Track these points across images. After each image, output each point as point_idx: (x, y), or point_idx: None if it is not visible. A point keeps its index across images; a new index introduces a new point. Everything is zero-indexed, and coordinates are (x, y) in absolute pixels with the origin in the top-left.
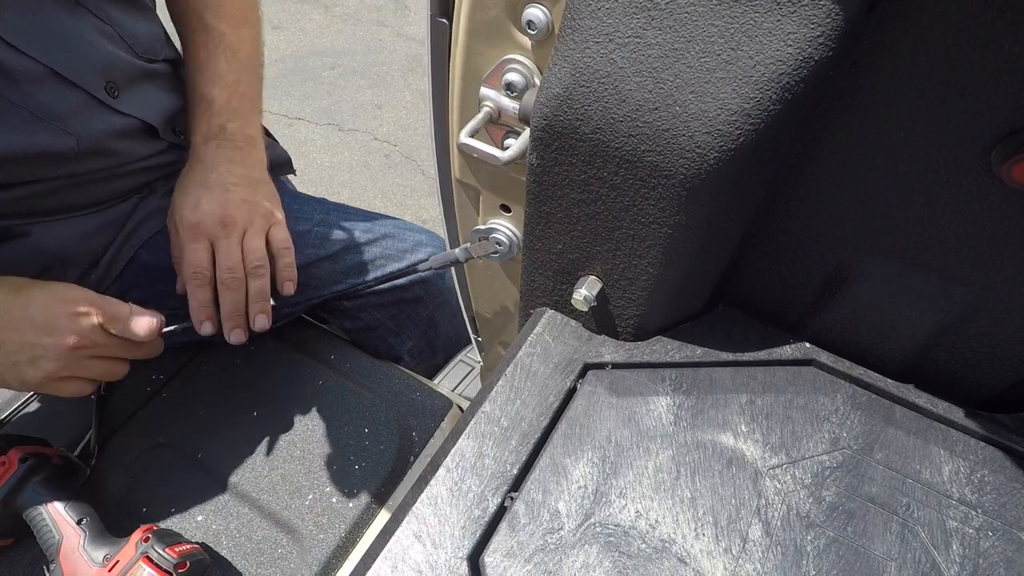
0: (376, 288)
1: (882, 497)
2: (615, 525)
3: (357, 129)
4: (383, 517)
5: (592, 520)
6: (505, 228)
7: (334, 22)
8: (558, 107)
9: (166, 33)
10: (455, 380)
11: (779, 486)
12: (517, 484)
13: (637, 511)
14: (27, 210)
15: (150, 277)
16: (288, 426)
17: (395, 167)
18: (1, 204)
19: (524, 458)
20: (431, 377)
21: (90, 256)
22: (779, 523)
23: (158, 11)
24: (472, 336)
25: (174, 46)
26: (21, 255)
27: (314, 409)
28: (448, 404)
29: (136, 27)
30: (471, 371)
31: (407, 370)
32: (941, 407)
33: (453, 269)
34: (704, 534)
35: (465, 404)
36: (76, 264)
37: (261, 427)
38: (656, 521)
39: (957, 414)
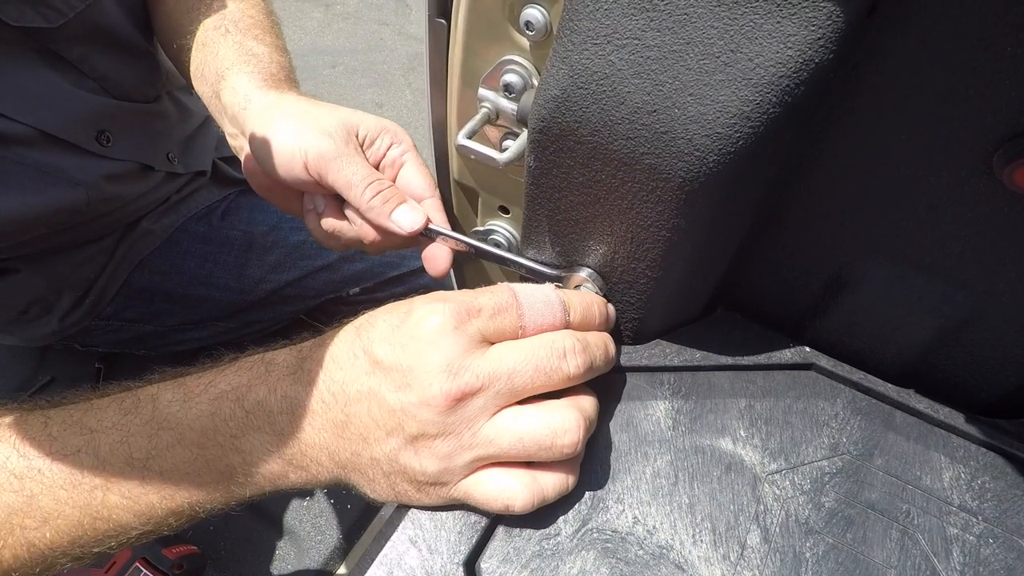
0: (376, 295)
1: (882, 503)
2: (612, 531)
3: None
4: (380, 520)
5: (589, 526)
6: (504, 230)
7: (335, 20)
8: (555, 109)
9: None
10: None
11: (778, 492)
12: None
13: (635, 517)
14: (18, 254)
15: (143, 298)
16: None
17: None
18: None
19: None
20: None
21: (83, 284)
22: (778, 529)
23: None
24: None
25: (177, 77)
26: (12, 289)
27: None
28: None
29: (127, 73)
30: None
31: None
32: (942, 412)
33: (452, 272)
34: (702, 540)
35: None
36: (69, 293)
37: None
38: (654, 527)
39: (958, 419)
